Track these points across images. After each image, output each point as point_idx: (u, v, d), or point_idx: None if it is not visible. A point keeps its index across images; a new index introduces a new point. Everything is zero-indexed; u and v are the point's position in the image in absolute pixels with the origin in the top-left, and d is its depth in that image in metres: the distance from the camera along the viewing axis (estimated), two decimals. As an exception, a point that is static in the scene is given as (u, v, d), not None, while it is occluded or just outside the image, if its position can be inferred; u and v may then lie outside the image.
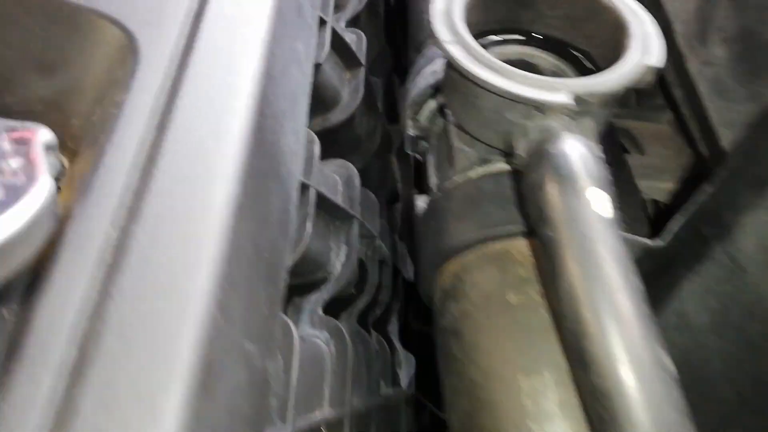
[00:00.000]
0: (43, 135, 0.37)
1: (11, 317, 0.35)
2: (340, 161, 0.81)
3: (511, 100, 0.41)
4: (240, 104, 0.42)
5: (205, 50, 0.44)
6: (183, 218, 0.36)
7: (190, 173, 0.38)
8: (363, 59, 0.87)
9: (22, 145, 0.36)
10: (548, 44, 0.51)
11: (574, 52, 0.50)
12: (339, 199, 0.75)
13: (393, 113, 1.18)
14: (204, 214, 0.36)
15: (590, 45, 0.49)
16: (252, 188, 0.40)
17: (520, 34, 0.52)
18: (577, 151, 0.40)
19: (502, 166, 0.49)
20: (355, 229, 0.75)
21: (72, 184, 0.41)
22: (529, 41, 0.51)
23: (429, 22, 0.44)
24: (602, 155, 0.42)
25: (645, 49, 0.43)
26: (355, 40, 0.89)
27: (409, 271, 1.09)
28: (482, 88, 0.41)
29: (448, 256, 0.49)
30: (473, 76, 0.41)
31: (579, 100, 0.41)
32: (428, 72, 0.59)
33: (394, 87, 1.19)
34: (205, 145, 0.39)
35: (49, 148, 0.37)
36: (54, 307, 0.32)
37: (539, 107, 0.41)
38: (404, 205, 1.15)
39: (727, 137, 0.49)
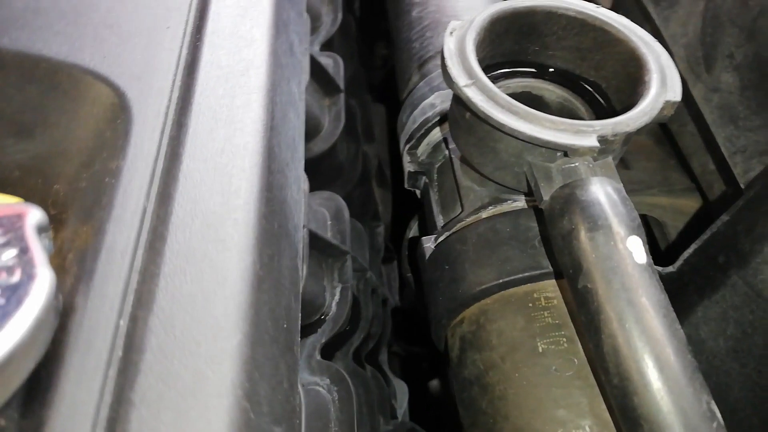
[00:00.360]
0: (33, 216, 0.33)
1: (11, 427, 0.31)
2: (326, 193, 0.78)
3: (536, 144, 0.40)
4: (247, 163, 0.39)
5: (203, 104, 0.41)
6: (199, 300, 0.33)
7: (201, 248, 0.35)
8: (341, 84, 0.85)
9: (12, 231, 0.32)
10: (556, 76, 0.49)
11: (583, 84, 0.49)
12: (329, 235, 0.72)
13: (369, 133, 1.15)
14: (221, 293, 0.33)
15: (599, 76, 0.48)
16: (267, 255, 0.37)
17: (527, 66, 0.50)
18: (607, 195, 0.39)
19: (515, 204, 0.48)
20: (349, 265, 0.72)
21: (62, 261, 0.37)
22: (539, 73, 0.49)
23: (443, 63, 0.42)
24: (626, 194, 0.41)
25: (663, 82, 0.42)
26: (332, 64, 0.86)
27: (395, 297, 1.07)
28: (505, 133, 0.39)
29: (466, 303, 0.47)
30: (496, 121, 0.39)
31: (604, 140, 0.40)
32: (426, 105, 0.57)
33: (368, 106, 1.17)
34: (215, 214, 0.36)
35: (41, 229, 0.33)
36: (66, 423, 0.28)
37: (565, 150, 0.40)
38: (386, 227, 1.13)
39: (739, 165, 0.48)
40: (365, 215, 1.02)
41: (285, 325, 0.39)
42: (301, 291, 0.47)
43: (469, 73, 0.41)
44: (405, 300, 1.08)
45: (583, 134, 0.39)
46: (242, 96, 0.42)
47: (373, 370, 0.82)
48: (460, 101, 0.44)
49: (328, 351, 0.66)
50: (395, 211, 1.20)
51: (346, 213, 0.75)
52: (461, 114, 0.45)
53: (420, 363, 1.22)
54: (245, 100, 0.42)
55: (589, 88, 0.49)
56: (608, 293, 0.36)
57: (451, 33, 0.44)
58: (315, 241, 0.65)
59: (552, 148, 0.39)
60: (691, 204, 0.77)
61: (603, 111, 0.49)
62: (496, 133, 0.42)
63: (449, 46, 0.43)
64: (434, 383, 1.16)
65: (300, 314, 0.44)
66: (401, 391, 1.00)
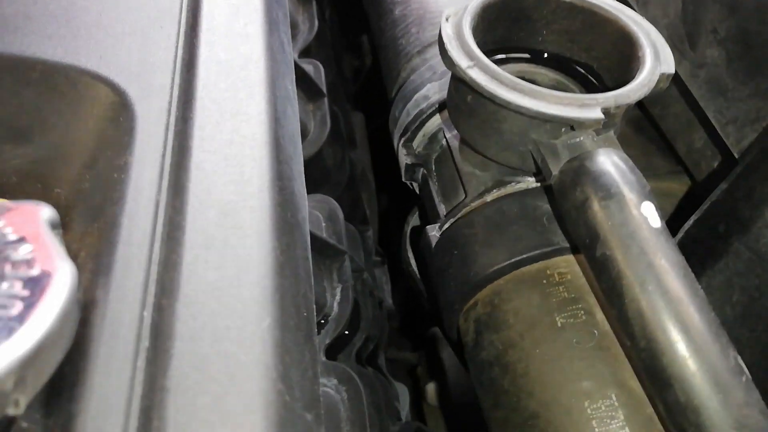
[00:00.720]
0: (45, 212, 0.32)
1: (35, 429, 0.30)
2: (319, 196, 0.78)
3: (542, 120, 0.40)
4: (257, 153, 0.38)
5: (207, 98, 0.40)
6: (224, 286, 0.32)
7: (220, 235, 0.34)
8: (324, 89, 0.85)
9: (26, 227, 0.31)
10: (549, 61, 0.50)
11: (575, 66, 0.50)
12: (325, 235, 0.72)
13: (352, 139, 1.16)
14: (246, 279, 0.33)
15: (590, 57, 0.49)
16: (283, 243, 0.37)
17: (519, 52, 0.51)
18: (615, 164, 0.39)
19: (519, 186, 0.48)
20: (347, 264, 0.72)
21: (73, 261, 0.36)
22: (533, 59, 0.50)
23: (443, 48, 0.42)
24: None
25: (657, 57, 0.43)
26: (313, 69, 0.87)
27: (388, 298, 1.07)
28: (511, 110, 0.40)
29: (478, 286, 0.47)
30: (502, 99, 0.39)
31: (607, 113, 0.40)
32: (419, 97, 0.57)
33: (349, 113, 1.17)
34: (231, 203, 0.35)
35: (54, 226, 0.32)
36: (99, 416, 0.27)
37: (572, 125, 0.40)
38: (374, 230, 1.13)
39: (731, 135, 0.49)
40: (354, 219, 1.01)
41: (305, 314, 0.39)
42: (313, 283, 0.47)
43: (470, 56, 0.42)
44: (397, 304, 1.08)
45: (588, 107, 0.40)
46: (245, 89, 0.41)
47: (375, 371, 0.82)
48: (461, 84, 0.44)
49: (331, 352, 0.66)
50: (381, 216, 1.20)
51: (340, 214, 0.75)
52: (462, 98, 0.45)
53: (414, 367, 1.21)
54: (248, 93, 0.41)
55: (581, 70, 0.50)
56: (627, 258, 0.36)
57: (447, 19, 0.44)
58: (312, 242, 0.64)
59: (558, 122, 0.40)
60: (677, 186, 0.79)
61: (597, 91, 0.50)
62: (500, 113, 0.42)
63: (447, 31, 0.43)
64: (431, 387, 1.15)
65: (314, 306, 0.44)
66: (402, 393, 1.00)
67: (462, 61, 0.41)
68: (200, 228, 0.33)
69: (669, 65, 0.43)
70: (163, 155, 0.37)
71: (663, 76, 0.43)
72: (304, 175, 0.52)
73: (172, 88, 0.41)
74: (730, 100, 0.49)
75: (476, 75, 0.41)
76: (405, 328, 1.22)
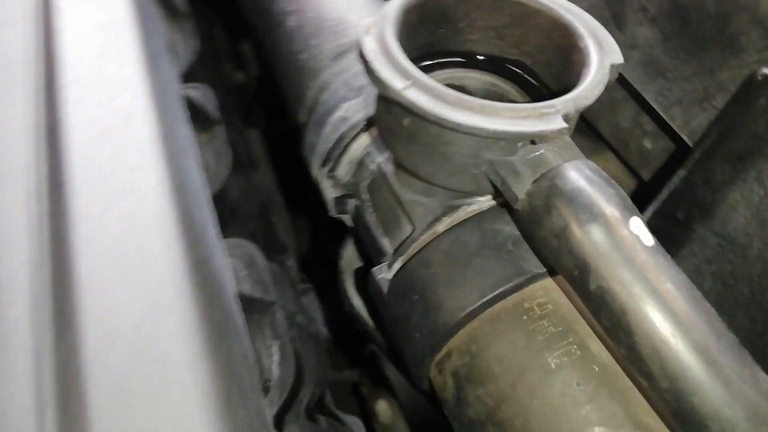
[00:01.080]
0: None
1: None
2: (233, 240, 0.68)
3: (498, 138, 0.34)
4: (164, 242, 0.29)
5: (84, 178, 0.31)
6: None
7: (135, 378, 0.25)
8: (216, 116, 0.75)
9: None
10: (481, 62, 0.45)
11: (507, 65, 0.45)
12: (248, 287, 0.63)
13: (253, 162, 1.06)
14: None
15: (522, 53, 0.44)
16: (221, 360, 0.28)
17: (445, 57, 0.45)
18: (589, 179, 0.35)
19: (472, 208, 0.42)
20: (279, 315, 0.64)
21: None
22: (468, 63, 0.44)
23: (368, 67, 0.35)
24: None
25: (601, 46, 0.39)
26: (200, 96, 0.77)
27: (322, 327, 1.00)
28: (460, 132, 0.34)
29: (449, 334, 0.40)
30: (451, 122, 0.33)
31: (566, 118, 0.35)
32: (336, 120, 0.50)
33: (245, 133, 1.08)
34: (141, 325, 0.26)
35: None
36: None
37: (533, 139, 0.35)
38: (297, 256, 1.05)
39: (677, 117, 0.46)
40: (273, 251, 0.93)
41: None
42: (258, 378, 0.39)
43: (404, 74, 0.35)
44: (328, 322, 1.01)
45: (548, 117, 0.34)
46: (133, 154, 0.32)
47: (327, 419, 0.75)
48: (394, 107, 0.38)
49: (280, 417, 0.58)
50: (298, 237, 1.12)
51: (260, 258, 0.66)
52: (397, 121, 0.38)
53: (358, 388, 1.15)
54: (138, 159, 0.32)
55: (516, 69, 0.45)
56: (629, 289, 0.31)
57: (367, 31, 0.37)
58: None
59: (518, 139, 0.35)
60: (601, 163, 0.77)
61: (535, 90, 0.45)
62: (446, 136, 0.36)
63: (370, 45, 0.36)
64: (381, 405, 1.10)
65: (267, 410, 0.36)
66: (356, 426, 0.94)
67: (395, 81, 0.35)
68: (107, 375, 0.24)
69: (616, 55, 0.39)
70: (34, 273, 0.27)
71: (613, 68, 0.39)
72: (219, 239, 0.43)
73: (36, 166, 0.31)
74: (671, 80, 0.45)
75: (416, 96, 0.34)
76: (340, 346, 1.15)
